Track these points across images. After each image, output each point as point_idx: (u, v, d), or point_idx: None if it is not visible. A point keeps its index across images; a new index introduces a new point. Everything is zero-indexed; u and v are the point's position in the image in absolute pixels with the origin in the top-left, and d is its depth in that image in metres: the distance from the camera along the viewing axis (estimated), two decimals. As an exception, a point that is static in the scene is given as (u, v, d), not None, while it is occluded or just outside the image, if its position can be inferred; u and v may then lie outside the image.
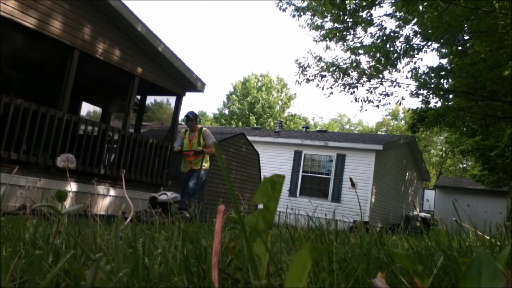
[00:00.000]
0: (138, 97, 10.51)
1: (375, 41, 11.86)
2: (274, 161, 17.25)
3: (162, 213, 5.40)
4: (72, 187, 7.38)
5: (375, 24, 11.67)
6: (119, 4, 8.14)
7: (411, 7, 10.02)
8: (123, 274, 0.72)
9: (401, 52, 11.58)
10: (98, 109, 12.47)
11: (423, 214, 21.40)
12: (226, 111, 44.18)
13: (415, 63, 11.83)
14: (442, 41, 10.68)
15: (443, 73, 11.54)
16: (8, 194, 5.42)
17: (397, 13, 11.33)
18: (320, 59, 12.71)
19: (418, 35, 11.45)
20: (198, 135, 7.93)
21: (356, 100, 12.80)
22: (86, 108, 12.46)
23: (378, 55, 11.58)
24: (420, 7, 9.96)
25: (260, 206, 0.67)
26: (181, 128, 16.27)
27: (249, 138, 13.78)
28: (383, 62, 11.69)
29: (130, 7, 8.38)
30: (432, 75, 11.60)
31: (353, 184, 1.90)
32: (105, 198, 8.16)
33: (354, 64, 12.21)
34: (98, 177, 8.03)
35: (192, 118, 8.05)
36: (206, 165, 7.93)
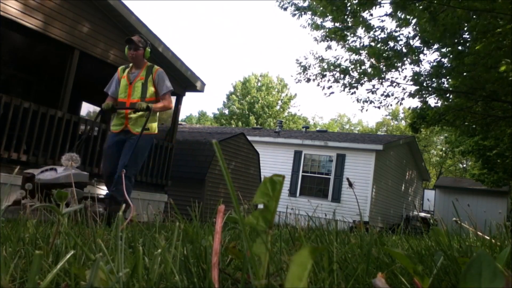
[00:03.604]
0: (138, 97, 10.50)
1: (375, 41, 11.86)
2: (274, 161, 17.24)
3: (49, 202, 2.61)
4: (72, 187, 7.38)
5: (375, 28, 11.66)
6: (119, 4, 8.14)
7: (407, 10, 10.04)
8: (123, 274, 0.72)
9: (402, 53, 11.59)
10: (98, 109, 12.47)
11: (423, 214, 21.41)
12: (226, 111, 44.18)
13: (416, 63, 11.84)
14: (440, 43, 10.69)
15: (443, 71, 11.54)
16: (8, 193, 5.43)
17: (398, 13, 11.33)
18: (321, 60, 12.73)
19: (418, 37, 11.46)
20: (145, 75, 4.97)
21: (357, 101, 12.82)
22: (86, 108, 12.46)
23: (378, 56, 11.59)
24: (416, 7, 9.96)
25: (260, 206, 0.67)
26: (182, 129, 16.08)
27: (249, 138, 13.78)
28: (383, 63, 11.70)
29: (130, 7, 8.38)
30: (433, 73, 11.60)
31: (350, 184, 1.90)
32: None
33: (357, 64, 12.21)
34: (99, 177, 8.03)
35: (136, 43, 4.96)
36: (153, 126, 5.01)
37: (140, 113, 4.87)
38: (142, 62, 5.06)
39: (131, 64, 5.10)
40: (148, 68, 5.05)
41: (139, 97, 4.89)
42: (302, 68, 13.00)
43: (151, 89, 4.97)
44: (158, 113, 5.14)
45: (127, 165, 4.68)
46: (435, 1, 9.22)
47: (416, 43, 11.66)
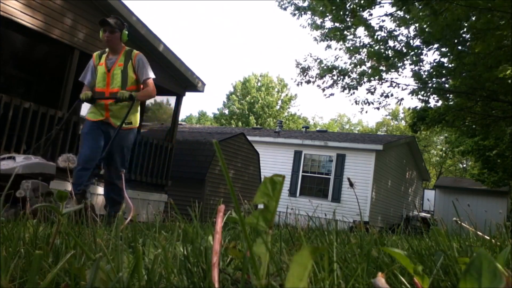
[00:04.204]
0: (138, 97, 10.50)
1: (376, 40, 11.86)
2: (274, 161, 17.24)
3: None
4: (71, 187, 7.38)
5: (375, 27, 11.67)
6: (119, 4, 8.14)
7: (407, 8, 10.05)
8: (123, 274, 0.72)
9: (402, 53, 11.59)
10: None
11: (423, 214, 21.40)
12: (226, 111, 44.18)
13: (416, 64, 11.84)
14: (441, 42, 10.69)
15: (443, 71, 11.55)
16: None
17: (398, 12, 11.33)
18: (320, 62, 12.74)
19: (418, 37, 11.46)
20: (124, 61, 4.48)
21: (356, 102, 12.83)
22: (86, 108, 12.45)
23: (378, 58, 11.59)
24: (417, 5, 9.96)
25: (260, 206, 0.67)
26: (182, 129, 16.08)
27: (249, 138, 13.78)
28: (383, 63, 11.70)
29: (130, 7, 8.39)
30: (433, 72, 11.60)
31: (351, 184, 1.90)
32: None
33: (357, 63, 12.22)
34: (98, 177, 8.02)
35: (112, 25, 4.42)
36: (135, 118, 4.61)
37: (122, 103, 4.42)
38: (120, 47, 4.55)
39: (107, 50, 4.58)
40: (126, 53, 4.55)
41: (119, 86, 4.41)
42: (302, 70, 13.01)
43: (131, 76, 4.49)
44: (139, 104, 4.70)
45: (118, 167, 4.44)
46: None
47: (416, 42, 11.67)
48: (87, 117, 4.55)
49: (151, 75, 4.58)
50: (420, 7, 9.78)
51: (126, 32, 4.59)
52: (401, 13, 11.02)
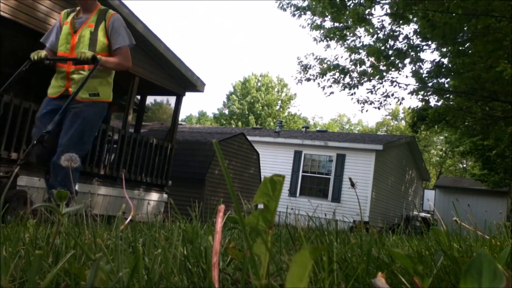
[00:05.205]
0: (138, 97, 10.51)
1: (375, 40, 11.87)
2: (274, 161, 17.24)
3: None
4: (72, 187, 7.38)
5: (375, 27, 11.68)
6: (118, 3, 8.14)
7: (405, 19, 10.10)
8: (123, 274, 0.72)
9: (402, 52, 11.60)
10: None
11: (423, 214, 21.41)
12: (226, 111, 44.20)
13: (416, 63, 11.84)
14: (441, 41, 10.70)
15: (443, 71, 11.56)
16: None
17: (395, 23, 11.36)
18: (321, 61, 12.74)
19: (417, 36, 11.48)
20: (96, 21, 3.70)
21: (358, 101, 12.84)
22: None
23: (378, 55, 11.59)
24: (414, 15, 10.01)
25: (260, 206, 0.67)
26: (182, 129, 16.05)
27: (249, 138, 13.78)
28: (383, 62, 11.71)
29: (130, 7, 8.38)
30: (433, 74, 11.61)
31: (352, 184, 1.90)
32: (105, 198, 8.15)
33: (358, 63, 12.22)
34: (98, 177, 8.03)
35: None
36: (105, 91, 3.78)
37: (86, 72, 3.59)
38: (93, 5, 3.76)
39: (78, 8, 3.80)
40: (100, 12, 3.74)
41: (82, 55, 3.51)
42: (303, 67, 13.02)
43: (102, 41, 3.67)
44: (112, 75, 3.86)
45: (69, 145, 3.39)
46: (432, 10, 9.24)
47: (417, 41, 11.68)
48: (48, 94, 3.78)
49: (126, 42, 3.76)
50: (415, 19, 9.84)
51: None
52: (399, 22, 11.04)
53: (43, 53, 3.60)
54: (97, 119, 3.72)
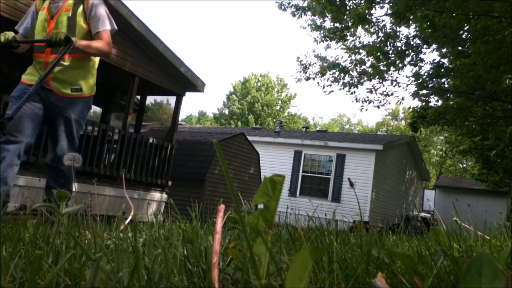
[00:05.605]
0: (138, 97, 10.51)
1: (375, 40, 11.88)
2: (274, 161, 17.25)
3: None
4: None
5: (375, 26, 11.68)
6: (118, 3, 8.15)
7: (406, 20, 10.11)
8: (123, 274, 0.72)
9: (402, 51, 11.60)
10: (98, 109, 12.48)
11: (423, 214, 21.41)
12: (226, 111, 44.21)
13: (416, 64, 11.84)
14: (441, 42, 10.71)
15: (443, 71, 11.56)
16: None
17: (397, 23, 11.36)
18: (321, 59, 12.74)
19: (418, 37, 11.48)
20: (73, 5, 3.45)
21: (356, 100, 12.83)
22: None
23: (378, 54, 11.59)
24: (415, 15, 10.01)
25: (260, 206, 0.67)
26: (182, 129, 16.05)
27: (249, 138, 13.79)
28: (383, 61, 11.71)
29: (129, 7, 8.39)
30: (432, 73, 11.61)
31: (351, 184, 1.90)
32: (105, 198, 8.16)
33: (358, 63, 12.22)
34: (98, 177, 8.03)
35: None
36: (89, 84, 3.52)
37: (68, 62, 3.33)
38: None
39: None
40: None
41: (57, 39, 3.16)
42: (303, 66, 13.02)
43: (82, 26, 3.41)
44: (95, 65, 3.58)
45: (63, 150, 3.33)
46: (433, 10, 9.24)
47: (417, 41, 11.67)
48: (22, 79, 3.44)
49: (107, 26, 3.50)
50: (415, 19, 9.85)
51: None
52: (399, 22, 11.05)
53: (10, 34, 3.23)
54: (84, 117, 3.54)
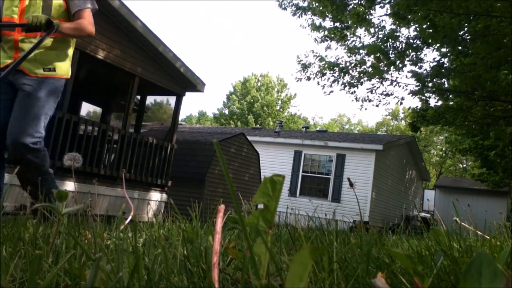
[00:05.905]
0: (138, 97, 10.51)
1: (375, 40, 11.88)
2: (274, 161, 17.25)
3: None
4: (72, 187, 7.38)
5: (375, 25, 11.68)
6: (118, 4, 8.14)
7: (407, 20, 10.11)
8: (123, 274, 0.72)
9: (402, 51, 11.60)
10: (98, 109, 12.48)
11: (423, 214, 21.42)
12: (226, 111, 44.21)
13: (416, 64, 11.85)
14: (442, 42, 10.71)
15: (443, 71, 11.56)
16: (9, 193, 5.42)
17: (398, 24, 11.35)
18: (321, 59, 12.74)
19: (418, 38, 11.47)
20: None
21: (356, 99, 12.83)
22: (86, 108, 12.47)
23: (378, 54, 11.59)
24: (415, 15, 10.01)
25: (260, 206, 0.67)
26: (182, 129, 16.05)
27: (249, 138, 13.79)
28: (383, 61, 11.71)
29: (130, 7, 8.39)
30: (432, 73, 11.61)
31: (351, 184, 1.90)
32: (105, 198, 8.16)
33: (358, 63, 12.22)
34: (98, 177, 8.03)
35: None
36: (62, 66, 3.19)
37: (37, 39, 2.95)
38: None
39: None
40: None
41: (34, 22, 2.87)
42: (302, 66, 13.02)
43: (58, 3, 3.08)
44: (72, 47, 3.23)
45: (22, 130, 2.88)
46: (434, 10, 9.24)
47: (417, 41, 11.67)
48: None
49: (87, 4, 3.15)
50: (416, 19, 9.85)
51: None
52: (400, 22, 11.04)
53: None
54: (54, 99, 3.16)
